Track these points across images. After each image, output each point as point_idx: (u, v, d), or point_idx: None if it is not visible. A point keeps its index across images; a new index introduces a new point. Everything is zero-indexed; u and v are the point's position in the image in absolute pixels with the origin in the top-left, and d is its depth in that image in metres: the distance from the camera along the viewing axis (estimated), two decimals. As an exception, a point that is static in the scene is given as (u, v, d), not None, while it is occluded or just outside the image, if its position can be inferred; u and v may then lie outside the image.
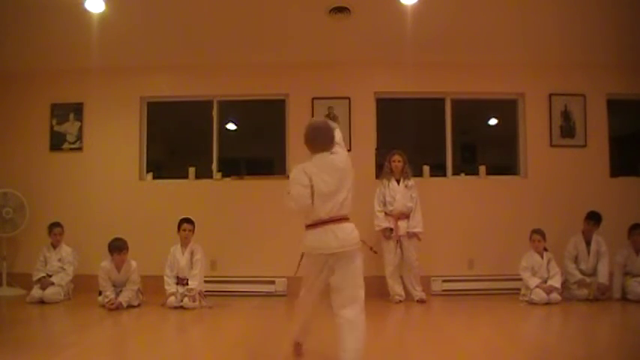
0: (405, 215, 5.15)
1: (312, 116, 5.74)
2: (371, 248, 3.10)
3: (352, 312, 2.71)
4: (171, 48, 5.61)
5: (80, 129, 5.95)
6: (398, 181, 5.24)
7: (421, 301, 5.06)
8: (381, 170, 5.46)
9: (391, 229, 5.12)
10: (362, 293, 2.77)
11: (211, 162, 6.00)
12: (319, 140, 2.83)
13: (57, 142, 5.95)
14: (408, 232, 5.12)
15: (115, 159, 5.90)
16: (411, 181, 5.26)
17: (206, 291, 5.04)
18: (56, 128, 5.97)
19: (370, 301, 5.37)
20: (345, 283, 2.73)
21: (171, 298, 4.77)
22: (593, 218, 5.25)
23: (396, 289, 5.13)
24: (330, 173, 2.76)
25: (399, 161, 5.26)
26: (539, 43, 5.49)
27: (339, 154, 2.86)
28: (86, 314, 4.61)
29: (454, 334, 3.77)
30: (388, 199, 5.20)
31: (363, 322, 2.73)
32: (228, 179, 5.93)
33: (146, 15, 5.03)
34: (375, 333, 3.83)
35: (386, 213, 5.18)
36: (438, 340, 3.59)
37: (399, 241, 5.13)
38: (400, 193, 5.19)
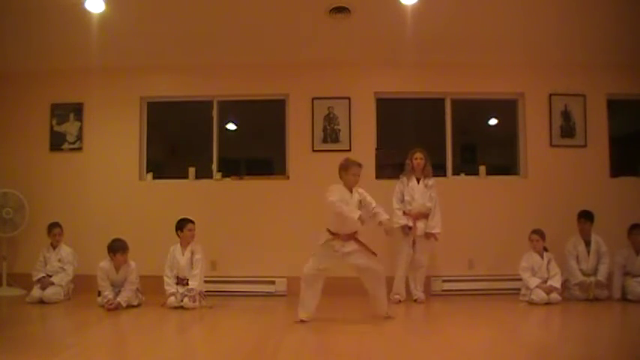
0: (424, 215, 5.07)
1: (312, 116, 5.76)
2: None
3: None
4: (171, 48, 5.61)
5: (80, 129, 5.95)
6: (418, 180, 5.16)
7: (420, 302, 5.05)
8: (383, 169, 5.43)
9: (409, 227, 5.05)
10: None
11: (211, 162, 6.00)
12: None
13: (57, 142, 5.95)
14: (425, 233, 5.06)
15: (115, 159, 5.90)
16: (432, 181, 5.16)
17: (206, 291, 5.03)
18: (56, 128, 5.96)
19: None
20: None
21: (172, 299, 4.77)
22: (585, 216, 5.27)
23: (399, 288, 5.11)
24: None
25: (420, 159, 5.14)
26: (539, 43, 5.49)
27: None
28: (86, 314, 4.60)
29: (454, 334, 3.76)
30: (407, 197, 5.12)
31: None
32: (228, 179, 5.92)
33: (146, 15, 5.04)
34: (375, 333, 3.83)
35: (404, 212, 5.10)
36: (437, 340, 3.58)
37: (413, 241, 5.09)
38: (419, 192, 5.10)
